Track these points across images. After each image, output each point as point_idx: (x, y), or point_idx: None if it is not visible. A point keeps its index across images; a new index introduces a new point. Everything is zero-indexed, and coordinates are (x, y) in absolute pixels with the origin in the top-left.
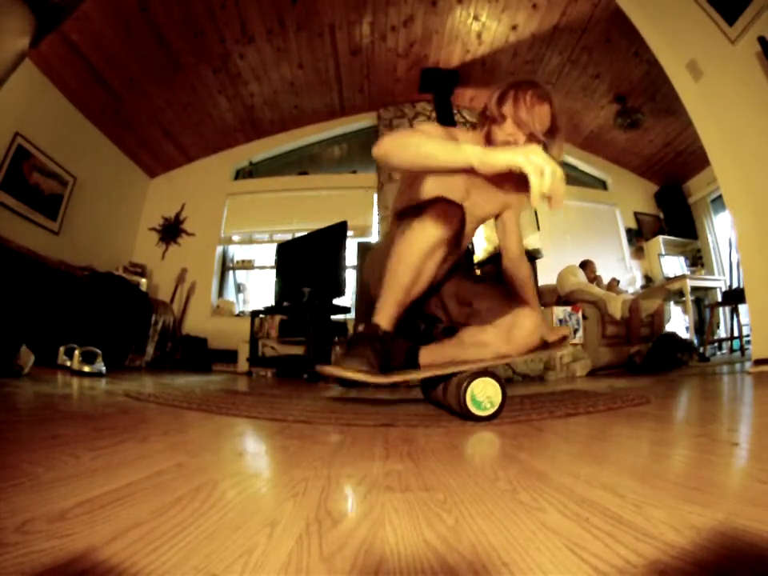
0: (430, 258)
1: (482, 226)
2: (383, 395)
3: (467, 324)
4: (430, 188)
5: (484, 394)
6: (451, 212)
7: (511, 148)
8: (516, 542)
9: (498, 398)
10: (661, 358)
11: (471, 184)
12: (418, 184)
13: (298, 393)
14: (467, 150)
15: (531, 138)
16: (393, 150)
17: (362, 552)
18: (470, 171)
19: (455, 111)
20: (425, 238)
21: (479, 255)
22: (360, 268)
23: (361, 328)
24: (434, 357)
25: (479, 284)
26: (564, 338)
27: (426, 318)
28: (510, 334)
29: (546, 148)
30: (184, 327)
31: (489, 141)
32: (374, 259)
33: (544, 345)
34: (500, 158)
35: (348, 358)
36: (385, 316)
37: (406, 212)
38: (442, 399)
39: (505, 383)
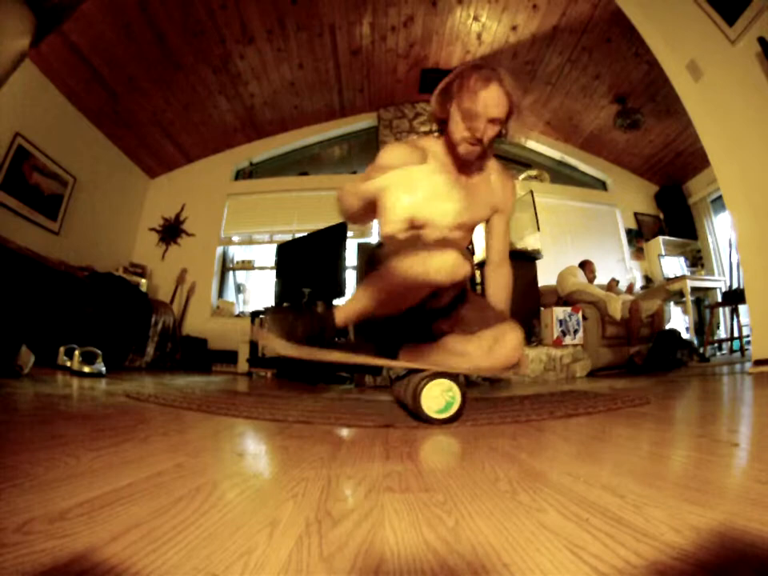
0: (417, 294)
1: (482, 225)
2: (384, 397)
3: (450, 330)
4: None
5: (442, 396)
6: (456, 261)
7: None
8: (516, 542)
9: (456, 401)
10: (661, 357)
11: (461, 187)
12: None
13: (297, 393)
14: (357, 182)
15: (486, 126)
16: (338, 207)
17: (362, 552)
18: (455, 175)
19: None
20: (417, 276)
21: (479, 255)
22: (360, 268)
23: (319, 309)
24: (414, 359)
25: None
26: (519, 369)
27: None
28: (492, 349)
29: (504, 134)
30: (184, 328)
31: (449, 144)
32: (374, 258)
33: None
34: (368, 185)
35: (272, 320)
36: (343, 312)
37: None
38: (403, 398)
39: (464, 386)
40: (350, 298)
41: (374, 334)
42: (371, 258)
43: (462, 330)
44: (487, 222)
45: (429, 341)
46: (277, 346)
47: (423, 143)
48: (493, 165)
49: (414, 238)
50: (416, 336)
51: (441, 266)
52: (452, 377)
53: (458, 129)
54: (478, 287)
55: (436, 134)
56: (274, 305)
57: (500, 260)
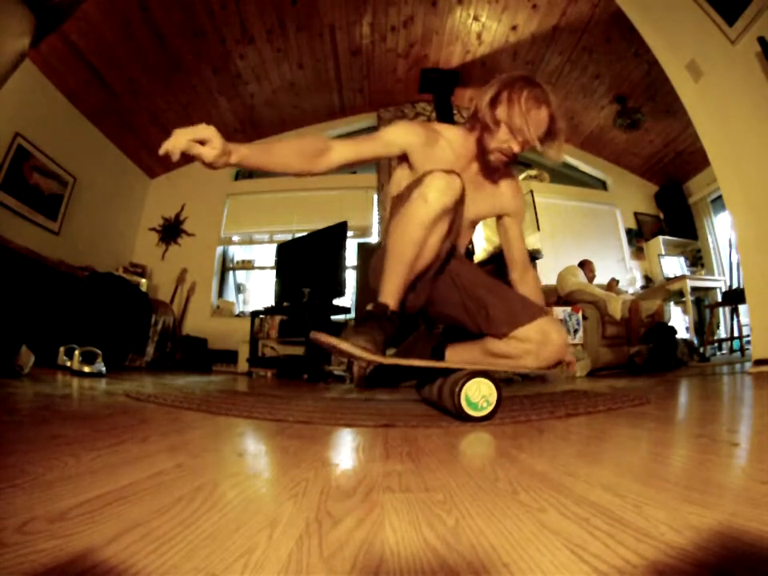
0: (434, 231)
1: (481, 226)
2: (383, 396)
3: (479, 328)
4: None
5: (479, 395)
6: (450, 178)
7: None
8: (516, 542)
9: (493, 399)
10: (661, 356)
11: (465, 180)
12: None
13: (298, 393)
14: None
15: (525, 144)
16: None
17: (362, 552)
18: (457, 169)
19: (455, 111)
20: (427, 209)
21: (479, 255)
22: (360, 268)
23: (370, 307)
24: (461, 358)
25: (485, 276)
26: (569, 364)
27: (426, 317)
28: (540, 350)
29: (541, 150)
30: (184, 327)
31: (480, 147)
32: (378, 257)
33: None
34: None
35: (355, 334)
36: (391, 295)
37: (402, 194)
38: (437, 399)
39: (500, 383)
40: (385, 280)
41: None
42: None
43: (495, 328)
44: (499, 226)
45: (469, 339)
46: (368, 356)
47: (438, 127)
48: (508, 176)
49: None
50: (457, 334)
51: (440, 189)
52: (489, 375)
53: (499, 139)
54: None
55: (461, 124)
56: (354, 318)
57: (524, 265)
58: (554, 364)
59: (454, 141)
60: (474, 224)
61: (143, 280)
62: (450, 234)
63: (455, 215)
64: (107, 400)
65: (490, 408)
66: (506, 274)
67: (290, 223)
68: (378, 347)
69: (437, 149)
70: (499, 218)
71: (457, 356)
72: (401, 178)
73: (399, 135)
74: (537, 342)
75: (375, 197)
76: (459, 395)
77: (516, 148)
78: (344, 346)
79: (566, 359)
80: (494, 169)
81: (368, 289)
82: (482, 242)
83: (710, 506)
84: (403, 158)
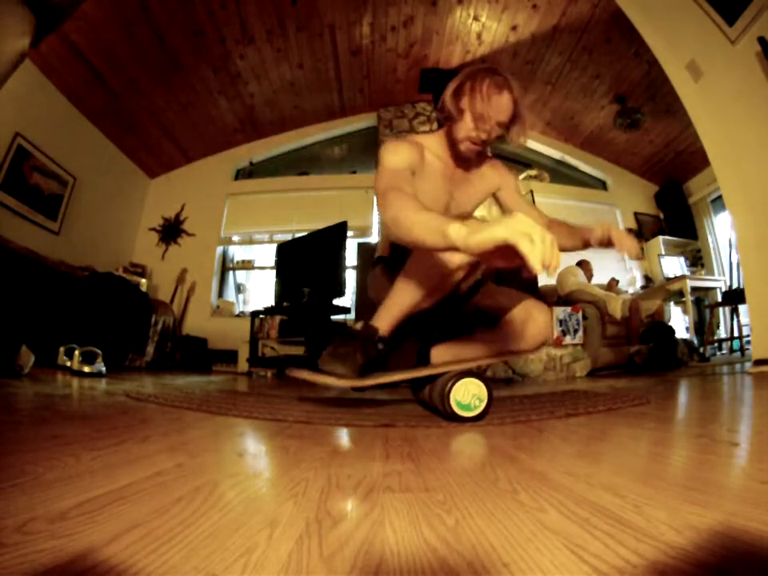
0: (449, 278)
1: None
2: (383, 396)
3: (474, 324)
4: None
5: (469, 395)
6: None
7: (491, 223)
8: (516, 542)
9: (484, 395)
10: (661, 356)
11: (453, 186)
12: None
13: (298, 393)
14: (451, 234)
15: (491, 130)
16: (389, 223)
17: (362, 552)
18: (448, 173)
19: None
20: (445, 259)
21: None
22: (360, 268)
23: (359, 326)
24: (446, 356)
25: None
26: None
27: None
28: (523, 329)
29: (506, 137)
30: (184, 327)
31: (450, 139)
32: (383, 272)
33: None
34: (484, 238)
35: (332, 360)
36: (386, 322)
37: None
38: (429, 400)
39: (490, 383)
40: (387, 302)
41: (405, 333)
42: (385, 269)
43: (485, 321)
44: (500, 205)
45: (457, 336)
46: (343, 383)
47: (418, 139)
48: (485, 159)
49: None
50: (446, 330)
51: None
52: (479, 375)
53: (465, 128)
54: None
55: (435, 130)
56: (330, 345)
57: (542, 218)
58: (538, 345)
59: (434, 148)
60: (471, 214)
61: (143, 280)
62: (469, 277)
63: (476, 265)
64: (107, 400)
65: (482, 406)
66: (502, 274)
67: (290, 223)
68: (356, 370)
69: (426, 165)
70: (496, 198)
71: (442, 355)
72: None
73: (404, 158)
74: (521, 320)
75: (375, 197)
76: (449, 398)
77: (483, 135)
78: (318, 378)
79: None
80: (467, 158)
81: (367, 288)
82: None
83: (710, 506)
84: None
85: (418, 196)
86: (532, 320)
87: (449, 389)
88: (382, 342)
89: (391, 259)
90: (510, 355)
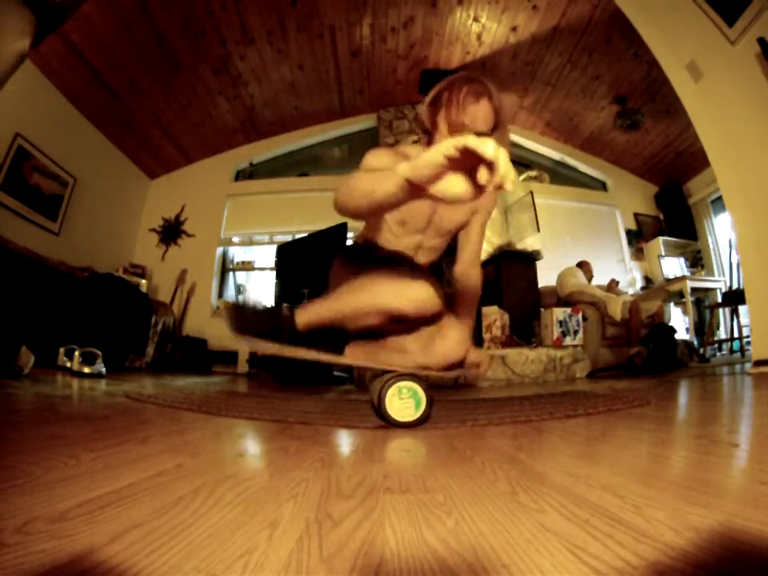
0: (378, 317)
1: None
2: None
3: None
4: (395, 214)
5: (406, 400)
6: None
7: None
8: (516, 543)
9: (422, 405)
10: (661, 357)
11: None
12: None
13: (297, 394)
14: (398, 170)
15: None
16: (344, 200)
17: (362, 553)
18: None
19: None
20: (392, 300)
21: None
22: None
23: (285, 307)
24: (358, 356)
25: None
26: (478, 366)
27: None
28: (430, 344)
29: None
30: (184, 328)
31: None
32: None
33: (460, 363)
34: (430, 156)
35: (233, 319)
36: (307, 317)
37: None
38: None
39: (430, 389)
40: (318, 305)
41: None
42: (347, 258)
43: (405, 326)
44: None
45: (374, 338)
46: (229, 336)
47: (405, 150)
48: None
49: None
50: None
51: (414, 299)
52: (417, 379)
53: (443, 140)
54: None
55: (421, 142)
56: (234, 300)
57: (471, 262)
58: (444, 363)
59: None
60: (451, 236)
61: (143, 281)
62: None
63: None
64: (107, 401)
65: (417, 416)
66: (502, 275)
67: (290, 224)
68: (249, 332)
69: None
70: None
71: (356, 353)
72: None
73: (381, 161)
74: (430, 336)
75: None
76: (384, 398)
77: None
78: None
79: (474, 360)
80: None
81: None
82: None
83: (710, 507)
84: None
85: (399, 208)
86: (440, 335)
87: (385, 390)
88: (293, 334)
89: (356, 248)
90: (422, 370)
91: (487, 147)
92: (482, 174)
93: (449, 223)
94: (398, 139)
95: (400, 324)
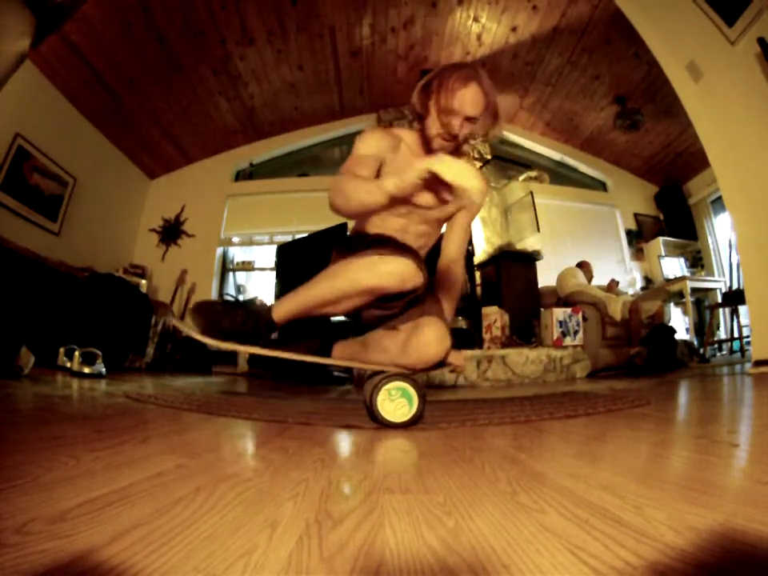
0: (358, 299)
1: (481, 227)
2: None
3: (378, 324)
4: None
5: (397, 400)
6: (406, 267)
7: (415, 160)
8: (516, 543)
9: (414, 405)
10: (661, 357)
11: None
12: None
13: (297, 394)
14: (385, 186)
15: (462, 125)
16: (341, 204)
17: (362, 553)
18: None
19: None
20: (369, 277)
21: (479, 256)
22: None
23: (257, 300)
24: (344, 354)
25: None
26: (455, 368)
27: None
28: (406, 343)
29: (479, 133)
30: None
31: (424, 138)
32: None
33: (439, 363)
34: (409, 177)
35: (197, 316)
36: (285, 308)
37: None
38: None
39: (422, 387)
40: (293, 295)
41: (301, 332)
42: (340, 251)
43: (387, 324)
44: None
45: (359, 335)
46: (193, 334)
47: (398, 132)
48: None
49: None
50: (344, 332)
51: (391, 273)
52: (409, 379)
53: (435, 124)
54: (478, 288)
55: (415, 127)
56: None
57: (455, 257)
58: (422, 363)
59: (412, 143)
60: (440, 223)
61: (143, 281)
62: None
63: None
64: (107, 401)
65: (409, 416)
66: (502, 275)
67: (290, 224)
68: (219, 332)
69: (399, 155)
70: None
71: (342, 351)
72: None
73: (371, 146)
74: (407, 333)
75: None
76: (375, 398)
77: (453, 130)
78: (184, 327)
79: (452, 362)
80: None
81: None
82: (482, 242)
83: (710, 507)
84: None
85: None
86: (416, 333)
87: (377, 390)
88: (270, 327)
89: (348, 239)
90: (403, 369)
91: (445, 172)
92: (444, 192)
93: (438, 212)
94: None
95: (386, 305)
